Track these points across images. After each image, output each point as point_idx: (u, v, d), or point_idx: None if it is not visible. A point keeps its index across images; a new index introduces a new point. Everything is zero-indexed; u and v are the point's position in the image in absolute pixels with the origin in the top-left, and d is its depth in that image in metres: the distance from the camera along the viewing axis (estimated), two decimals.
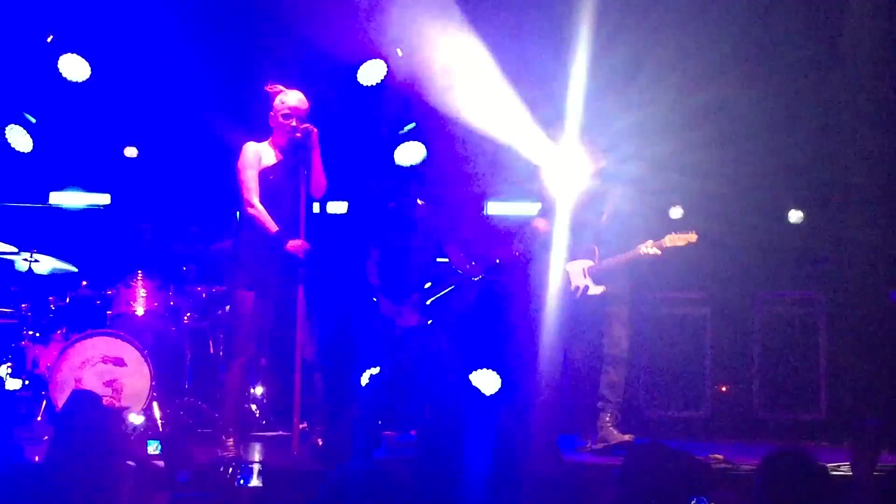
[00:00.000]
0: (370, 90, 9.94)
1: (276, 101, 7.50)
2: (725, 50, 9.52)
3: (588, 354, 8.04)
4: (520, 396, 8.75)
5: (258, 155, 7.42)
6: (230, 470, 6.46)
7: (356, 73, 9.88)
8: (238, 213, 7.56)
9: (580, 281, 7.99)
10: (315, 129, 7.46)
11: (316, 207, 8.62)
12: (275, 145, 7.48)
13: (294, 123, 7.41)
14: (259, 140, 7.50)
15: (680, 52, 9.49)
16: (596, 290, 7.97)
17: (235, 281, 7.44)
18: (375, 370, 8.76)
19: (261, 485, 6.27)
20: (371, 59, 9.85)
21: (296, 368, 7.33)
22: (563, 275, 7.98)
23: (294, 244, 7.28)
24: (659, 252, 7.91)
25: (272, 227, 7.28)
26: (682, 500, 4.43)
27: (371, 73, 9.90)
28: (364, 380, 8.67)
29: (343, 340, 8.32)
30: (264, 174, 7.38)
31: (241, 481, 6.29)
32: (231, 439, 7.24)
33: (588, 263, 8.01)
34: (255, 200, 7.32)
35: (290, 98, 7.51)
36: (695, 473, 4.45)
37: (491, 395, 9.21)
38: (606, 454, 7.78)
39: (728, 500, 6.08)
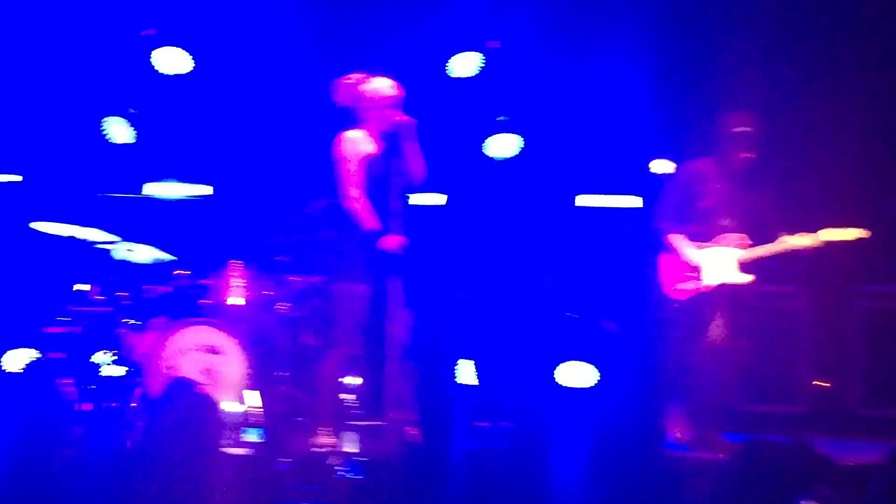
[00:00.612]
0: (464, 82, 9.95)
1: (369, 89, 7.54)
2: None
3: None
4: (617, 389, 8.70)
5: (355, 145, 7.47)
6: (331, 461, 6.52)
7: (449, 65, 9.90)
8: (334, 203, 7.62)
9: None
10: (411, 120, 7.49)
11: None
12: (371, 135, 7.52)
13: (389, 112, 7.45)
14: (355, 130, 7.55)
15: None
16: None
17: (335, 272, 7.52)
18: (470, 362, 8.76)
19: (362, 476, 6.31)
20: (465, 51, 9.86)
21: (390, 359, 7.37)
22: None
23: (389, 240, 7.33)
24: (810, 244, 7.74)
25: (369, 220, 7.34)
26: (791, 497, 4.38)
27: (464, 65, 9.90)
28: (460, 371, 8.68)
29: (438, 331, 8.34)
30: (364, 164, 7.43)
31: (343, 472, 6.34)
32: (329, 429, 7.30)
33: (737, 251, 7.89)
34: (354, 192, 7.39)
35: (383, 86, 7.54)
36: (808, 470, 4.39)
37: (585, 387, 9.16)
38: (710, 449, 7.68)
39: (833, 498, 5.98)
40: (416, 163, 7.51)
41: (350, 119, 7.76)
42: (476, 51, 9.83)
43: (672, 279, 7.83)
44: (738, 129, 7.76)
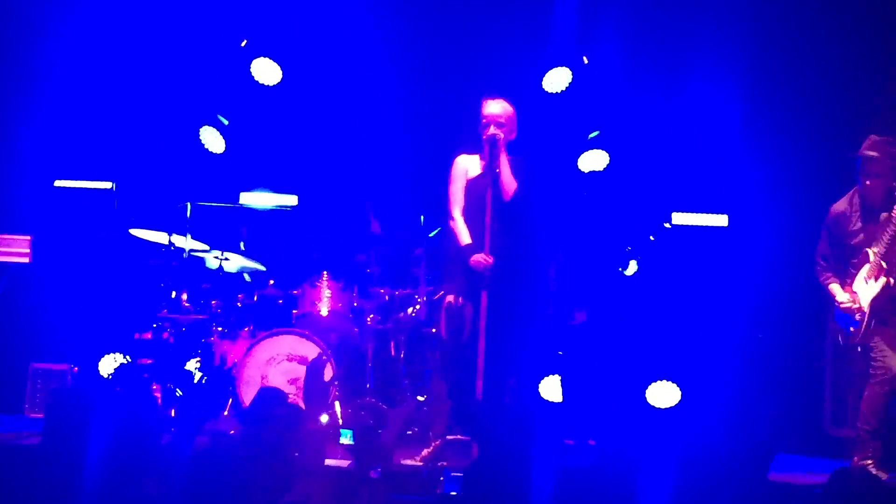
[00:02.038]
0: (555, 97, 9.93)
1: (483, 111, 7.67)
2: None
3: None
4: (708, 410, 8.61)
5: (465, 168, 7.65)
6: (431, 474, 6.54)
7: (542, 79, 9.88)
8: (422, 218, 7.73)
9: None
10: (500, 135, 7.54)
11: None
12: (481, 157, 7.66)
13: (491, 130, 7.53)
14: (463, 153, 7.68)
15: None
16: None
17: (426, 285, 7.63)
18: (556, 377, 8.74)
19: (453, 490, 6.33)
20: (557, 66, 9.85)
21: (478, 374, 7.38)
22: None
23: (477, 258, 7.39)
24: None
25: (463, 239, 7.49)
26: None
27: (557, 80, 9.88)
28: (545, 387, 8.65)
29: (526, 345, 8.31)
30: (470, 186, 7.56)
31: (442, 486, 6.36)
32: (434, 443, 7.34)
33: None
34: (455, 213, 7.58)
35: (489, 107, 7.67)
36: None
37: (671, 408, 9.08)
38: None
39: None
40: (505, 176, 7.55)
41: (455, 139, 7.85)
42: (567, 66, 9.80)
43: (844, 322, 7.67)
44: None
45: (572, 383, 8.55)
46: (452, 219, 7.66)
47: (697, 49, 9.66)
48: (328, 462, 7.10)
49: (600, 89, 9.82)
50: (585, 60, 9.76)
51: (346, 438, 7.78)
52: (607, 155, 9.83)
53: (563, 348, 8.77)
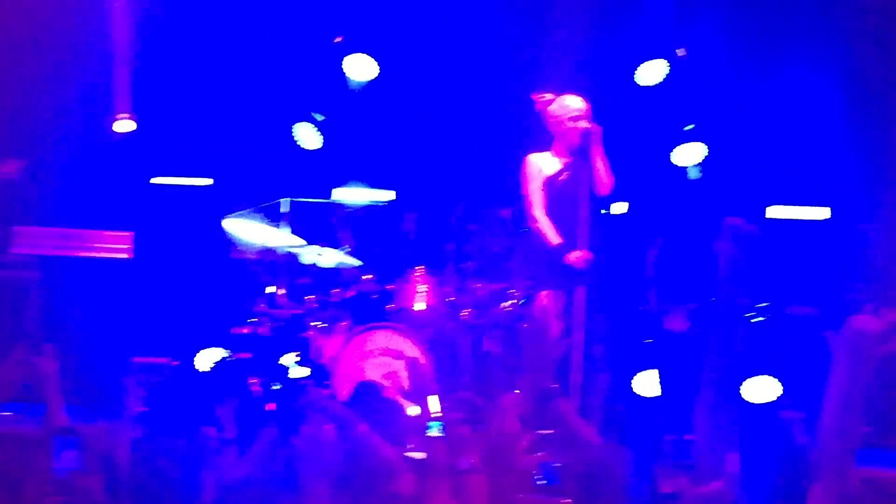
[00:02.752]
0: (650, 90, 9.84)
1: (555, 107, 7.56)
2: None
3: None
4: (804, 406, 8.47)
5: (539, 167, 7.56)
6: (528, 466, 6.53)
7: (635, 73, 9.80)
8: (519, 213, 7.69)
9: None
10: (596, 129, 7.48)
11: None
12: (558, 152, 7.56)
13: (585, 124, 7.45)
14: (541, 150, 7.60)
15: None
16: None
17: (520, 280, 7.58)
18: (653, 373, 8.64)
19: (554, 483, 6.30)
20: (651, 59, 9.76)
21: (573, 369, 7.33)
22: None
23: (574, 256, 7.32)
24: None
25: (553, 239, 7.38)
26: None
27: (651, 73, 9.79)
28: (639, 382, 8.56)
29: (622, 342, 8.26)
30: (549, 184, 7.47)
31: (541, 478, 6.35)
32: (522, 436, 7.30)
33: None
34: (538, 213, 7.51)
35: (572, 101, 7.57)
36: None
37: (769, 403, 8.93)
38: None
39: None
40: (603, 173, 7.48)
41: (537, 136, 7.79)
42: (663, 58, 9.71)
43: None
44: None
45: (670, 378, 8.46)
46: (535, 220, 7.58)
47: (796, 36, 9.53)
48: (409, 454, 7.10)
49: (696, 81, 9.72)
50: (681, 52, 9.65)
51: (434, 431, 7.77)
52: (704, 147, 9.72)
53: (660, 342, 8.68)
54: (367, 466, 6.14)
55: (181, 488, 5.93)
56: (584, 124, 7.52)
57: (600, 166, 7.52)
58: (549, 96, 7.63)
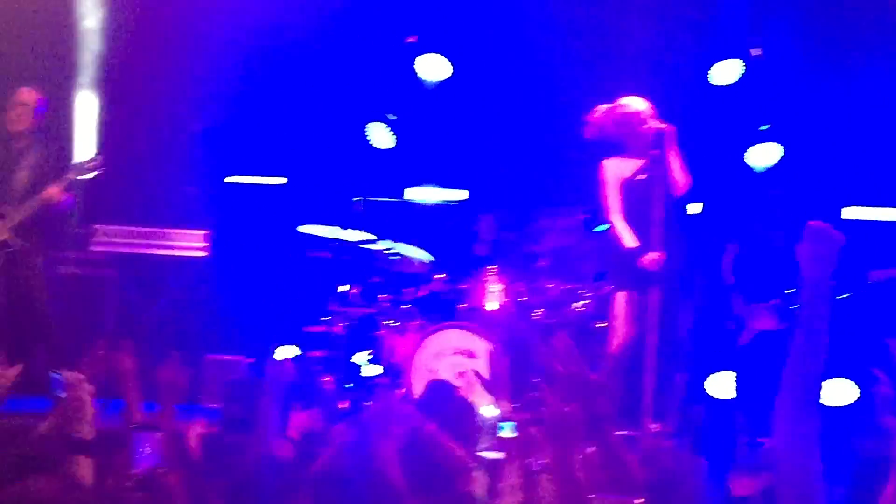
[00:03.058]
0: (725, 90, 9.78)
1: (621, 111, 7.55)
2: None
3: None
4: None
5: (615, 171, 7.55)
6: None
7: (709, 73, 9.75)
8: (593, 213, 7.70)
9: None
10: (670, 128, 7.44)
11: None
12: (633, 155, 7.54)
13: (657, 124, 7.42)
14: (618, 155, 7.60)
15: None
16: None
17: (592, 281, 7.58)
18: (730, 374, 8.60)
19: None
20: (725, 58, 9.70)
21: (647, 370, 7.30)
22: None
23: (648, 258, 7.30)
24: None
25: (629, 242, 7.36)
26: None
27: (725, 73, 9.73)
28: (717, 383, 8.52)
29: (697, 343, 8.21)
30: (626, 187, 7.47)
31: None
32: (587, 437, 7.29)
33: None
34: (615, 218, 7.47)
35: (638, 103, 7.55)
36: None
37: (846, 406, 8.85)
38: None
39: None
40: (678, 173, 7.44)
41: (610, 141, 7.76)
42: (738, 58, 9.65)
43: None
44: None
45: (746, 380, 8.41)
46: (612, 225, 7.58)
47: (874, 33, 9.42)
48: (482, 454, 7.10)
49: (771, 81, 9.65)
50: (756, 52, 9.58)
51: (506, 431, 7.80)
52: (780, 148, 9.65)
53: (737, 345, 8.63)
54: (438, 466, 6.14)
55: (258, 485, 5.98)
56: (656, 124, 7.47)
57: (675, 166, 7.47)
58: (604, 107, 7.63)
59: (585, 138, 8.03)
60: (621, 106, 7.60)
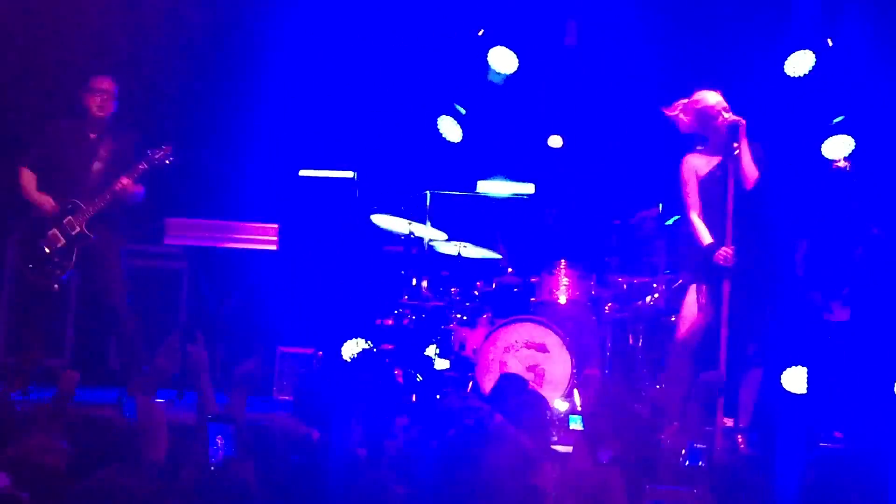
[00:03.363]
0: (797, 81, 9.68)
1: (702, 105, 7.48)
2: None
3: None
4: None
5: (692, 168, 7.51)
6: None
7: (784, 64, 9.65)
8: (660, 205, 7.67)
9: None
10: (741, 121, 7.37)
11: None
12: (712, 150, 7.50)
13: (731, 116, 7.35)
14: (694, 151, 7.55)
15: None
16: None
17: (666, 275, 7.55)
18: (801, 368, 8.51)
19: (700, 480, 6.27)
20: (799, 49, 9.60)
21: (720, 363, 7.25)
22: None
23: (722, 254, 7.24)
24: None
25: (704, 239, 7.34)
26: None
27: (799, 63, 9.62)
28: (790, 377, 8.43)
29: (771, 336, 8.13)
30: (703, 184, 7.43)
31: (686, 458, 6.34)
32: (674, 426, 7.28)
33: None
34: (693, 216, 7.44)
35: (712, 96, 7.48)
36: None
37: None
38: None
39: None
40: (749, 166, 7.37)
41: (686, 136, 7.70)
42: (810, 49, 9.54)
43: None
44: None
45: (819, 374, 8.32)
46: (691, 222, 7.53)
47: None
48: (555, 447, 7.10)
49: (846, 72, 9.53)
50: (830, 43, 9.47)
51: (575, 424, 7.81)
52: (853, 140, 9.53)
53: (810, 339, 8.53)
54: (508, 459, 6.14)
55: (330, 477, 6.02)
56: (729, 117, 7.40)
57: (746, 159, 7.40)
58: (681, 102, 7.56)
59: (659, 132, 7.99)
60: (696, 101, 7.53)
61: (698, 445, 6.47)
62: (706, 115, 7.45)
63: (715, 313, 7.30)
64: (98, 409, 7.21)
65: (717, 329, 7.24)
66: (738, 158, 7.34)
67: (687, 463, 6.44)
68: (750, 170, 7.38)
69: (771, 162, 7.70)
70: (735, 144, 7.33)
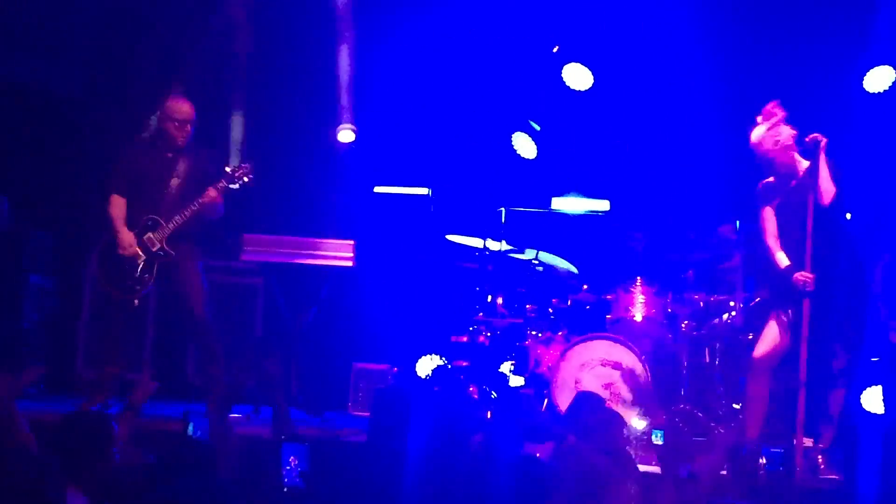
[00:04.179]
0: (878, 97, 9.57)
1: (776, 139, 7.44)
2: None
3: None
4: None
5: (766, 190, 7.45)
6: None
7: (863, 79, 9.54)
8: (738, 223, 7.62)
9: None
10: (822, 139, 7.30)
11: None
12: (777, 171, 7.46)
13: (812, 135, 7.28)
14: (771, 175, 7.51)
15: None
16: None
17: (742, 295, 7.50)
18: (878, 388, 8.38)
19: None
20: (879, 64, 9.49)
21: (801, 383, 7.16)
22: None
23: (800, 277, 7.16)
24: None
25: (782, 262, 7.29)
26: None
27: (879, 79, 9.51)
28: (868, 397, 8.30)
29: (855, 356, 8.02)
30: (779, 208, 7.38)
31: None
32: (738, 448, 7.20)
33: None
34: (769, 241, 7.41)
35: (786, 132, 7.44)
36: None
37: None
38: None
39: None
40: (826, 183, 7.28)
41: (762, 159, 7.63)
42: (891, 65, 9.43)
43: None
44: None
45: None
46: (768, 248, 7.47)
47: None
48: (641, 468, 7.05)
49: None
50: None
51: (656, 438, 7.76)
52: None
53: (884, 358, 8.39)
54: (584, 478, 6.11)
55: (405, 494, 6.02)
56: (810, 135, 7.32)
57: (824, 176, 7.31)
58: (762, 127, 7.51)
59: (735, 145, 7.93)
60: (775, 132, 7.47)
61: (775, 450, 6.40)
62: (783, 146, 7.42)
63: (795, 332, 7.22)
64: (176, 424, 7.30)
65: (798, 348, 7.15)
66: (815, 176, 7.27)
67: (765, 469, 6.38)
68: (827, 186, 7.29)
69: (849, 179, 7.61)
70: (814, 162, 7.26)
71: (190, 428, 6.74)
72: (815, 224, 7.26)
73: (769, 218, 7.48)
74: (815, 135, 7.31)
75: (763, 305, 7.63)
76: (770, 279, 7.50)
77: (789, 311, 7.31)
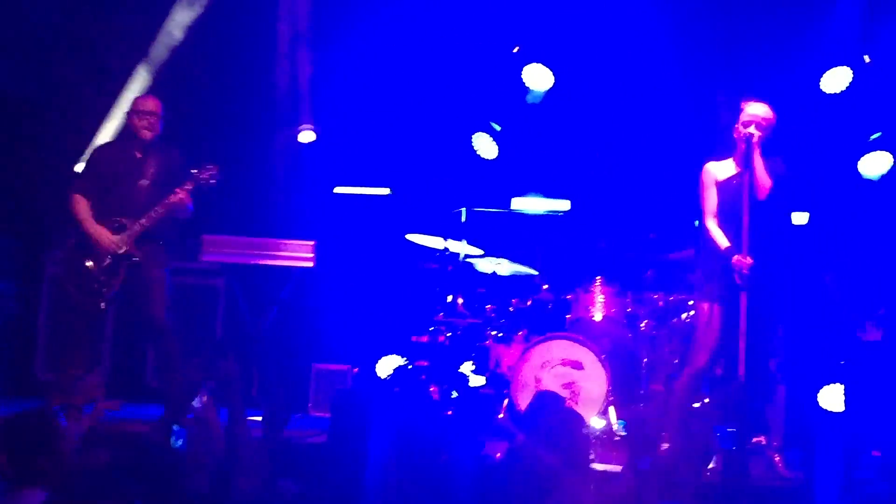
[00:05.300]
0: (834, 98, 9.64)
1: (742, 114, 7.44)
2: None
3: None
4: None
5: (712, 173, 7.44)
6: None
7: (819, 81, 9.61)
8: (697, 223, 7.61)
9: None
10: (757, 134, 7.30)
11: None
12: (734, 159, 7.45)
13: (750, 130, 7.29)
14: (716, 159, 7.51)
15: None
16: None
17: (693, 291, 7.47)
18: (838, 386, 8.45)
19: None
20: (835, 66, 9.57)
21: (740, 379, 7.16)
22: None
23: (738, 259, 7.14)
24: None
25: (722, 242, 7.26)
26: None
27: (835, 80, 9.59)
28: (826, 396, 8.37)
29: (800, 353, 8.08)
30: (721, 189, 7.36)
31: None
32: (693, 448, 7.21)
33: None
34: (709, 221, 7.37)
35: (754, 108, 7.42)
36: None
37: None
38: None
39: None
40: (758, 173, 7.27)
41: (719, 143, 7.66)
42: (847, 65, 9.51)
43: None
44: None
45: (856, 393, 8.25)
46: (706, 226, 7.47)
47: None
48: (596, 466, 7.09)
49: (883, 89, 9.48)
50: (867, 59, 9.44)
51: (619, 428, 7.84)
52: (891, 157, 9.48)
53: (846, 357, 8.46)
54: (539, 477, 6.14)
55: (365, 494, 6.03)
56: (749, 129, 7.33)
57: (759, 170, 7.30)
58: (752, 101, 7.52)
59: (695, 145, 7.96)
60: (748, 105, 7.47)
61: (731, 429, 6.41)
62: (741, 122, 7.40)
63: (730, 329, 7.17)
64: (134, 426, 7.26)
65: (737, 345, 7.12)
66: (752, 168, 7.26)
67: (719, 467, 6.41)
68: (763, 180, 7.29)
69: (794, 176, 7.62)
70: (748, 154, 7.28)
71: (173, 440, 6.75)
72: (755, 218, 7.25)
73: (710, 198, 7.45)
74: (747, 130, 7.32)
75: (697, 307, 7.60)
76: (710, 274, 7.43)
77: (720, 307, 7.28)
